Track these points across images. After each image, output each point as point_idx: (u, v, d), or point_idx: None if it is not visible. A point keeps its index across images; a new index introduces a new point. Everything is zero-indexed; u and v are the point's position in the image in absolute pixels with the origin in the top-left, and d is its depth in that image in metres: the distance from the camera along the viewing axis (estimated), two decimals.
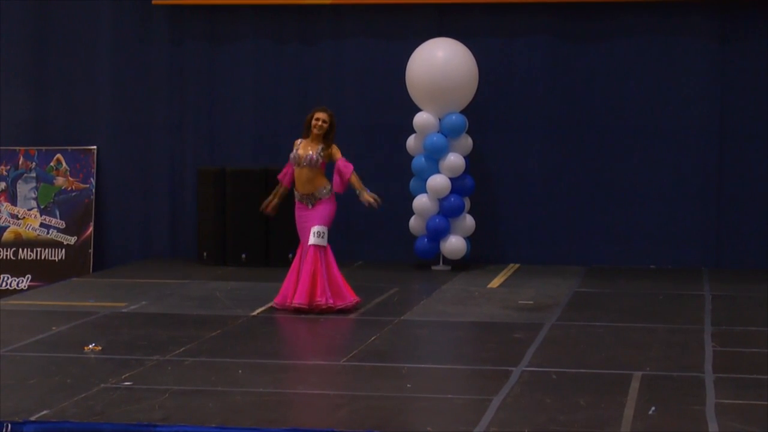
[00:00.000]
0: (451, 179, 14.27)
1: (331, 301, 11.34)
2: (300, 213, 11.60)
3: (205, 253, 14.91)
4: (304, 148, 11.49)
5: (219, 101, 15.48)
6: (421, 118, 14.32)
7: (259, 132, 15.43)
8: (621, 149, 14.78)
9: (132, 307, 11.94)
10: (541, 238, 14.95)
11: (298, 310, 11.30)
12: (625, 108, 14.84)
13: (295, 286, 11.38)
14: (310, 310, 11.28)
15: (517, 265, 14.66)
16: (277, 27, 15.35)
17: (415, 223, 14.51)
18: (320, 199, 11.48)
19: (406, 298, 12.60)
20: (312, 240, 11.37)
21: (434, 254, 14.49)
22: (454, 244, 14.34)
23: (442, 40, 14.51)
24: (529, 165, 14.98)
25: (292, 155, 11.54)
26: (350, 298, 11.53)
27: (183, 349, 9.93)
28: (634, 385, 8.76)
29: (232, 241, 14.73)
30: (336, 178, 11.50)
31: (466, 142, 14.46)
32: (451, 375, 9.43)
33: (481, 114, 14.79)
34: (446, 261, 14.55)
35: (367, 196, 11.46)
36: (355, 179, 11.49)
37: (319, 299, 11.28)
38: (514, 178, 14.76)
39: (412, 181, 14.53)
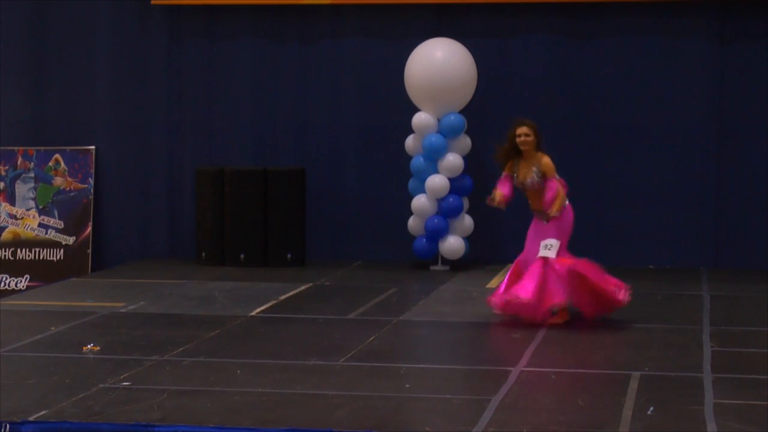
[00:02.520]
0: (450, 179, 14.27)
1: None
2: (534, 226, 11.24)
3: (203, 253, 14.90)
4: (522, 172, 11.07)
5: (218, 101, 15.48)
6: (420, 119, 14.32)
7: (258, 132, 15.43)
8: (620, 149, 14.78)
9: (130, 307, 11.94)
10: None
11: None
12: (625, 108, 14.84)
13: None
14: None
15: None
16: (276, 27, 15.35)
17: (413, 223, 14.51)
18: (554, 215, 11.04)
19: (404, 298, 12.60)
20: (541, 251, 10.97)
21: (433, 254, 14.49)
22: (453, 244, 14.34)
23: (441, 40, 14.51)
24: None
25: (514, 178, 11.12)
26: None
27: (181, 349, 9.92)
28: (633, 385, 8.76)
29: (230, 242, 14.73)
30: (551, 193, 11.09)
31: (465, 142, 14.46)
32: (449, 375, 9.42)
33: (480, 114, 14.79)
34: (445, 261, 14.55)
35: (555, 211, 11.00)
36: (558, 202, 10.97)
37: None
38: None
39: (410, 181, 14.53)
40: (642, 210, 14.83)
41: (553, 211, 10.96)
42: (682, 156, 14.77)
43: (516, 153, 11.12)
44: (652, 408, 8.10)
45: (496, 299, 11.19)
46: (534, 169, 11.02)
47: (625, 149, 14.81)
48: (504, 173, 11.25)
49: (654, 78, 14.77)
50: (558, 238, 10.99)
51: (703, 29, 14.67)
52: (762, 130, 14.62)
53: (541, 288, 10.88)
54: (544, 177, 11.06)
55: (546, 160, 11.06)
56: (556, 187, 11.00)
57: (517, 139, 11.07)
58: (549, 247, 10.94)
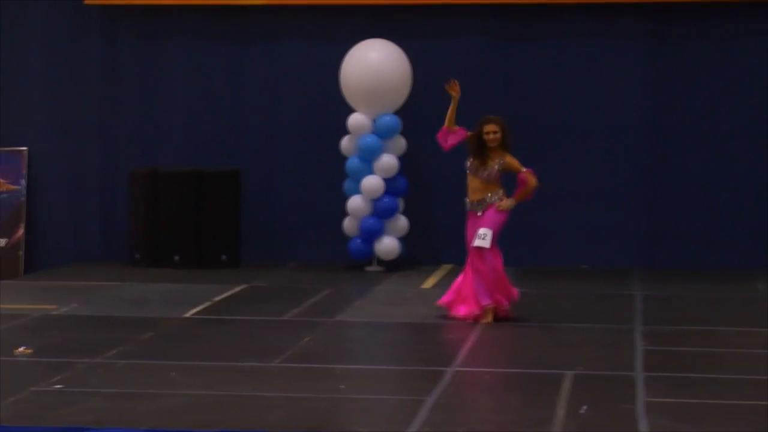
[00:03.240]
0: (385, 180, 14.29)
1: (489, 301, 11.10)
2: (471, 224, 11.25)
3: (137, 255, 14.82)
4: (483, 161, 11.16)
5: (152, 102, 15.39)
6: (355, 119, 14.34)
7: (193, 133, 15.37)
8: (553, 149, 14.87)
9: (63, 309, 11.84)
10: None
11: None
12: (558, 108, 14.94)
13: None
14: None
15: (451, 266, 14.69)
16: (212, 28, 15.30)
17: (348, 224, 14.51)
18: (490, 203, 11.18)
19: (339, 299, 12.60)
20: (475, 242, 11.06)
21: (368, 255, 14.50)
22: (388, 244, 14.37)
23: (376, 41, 14.53)
24: (462, 166, 14.99)
25: (468, 163, 11.22)
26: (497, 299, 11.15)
27: (115, 351, 9.86)
28: (566, 384, 8.82)
29: (164, 243, 14.65)
30: (519, 184, 11.21)
31: (400, 143, 14.49)
32: (384, 375, 9.44)
33: (415, 115, 14.81)
34: (380, 262, 14.58)
35: (507, 202, 11.16)
36: (524, 192, 11.15)
37: (483, 302, 11.07)
38: (448, 179, 14.78)
39: (345, 182, 14.54)
40: (575, 210, 14.93)
41: (505, 204, 11.11)
42: (615, 156, 14.89)
43: (482, 150, 11.19)
44: (585, 407, 8.16)
45: (447, 300, 11.38)
46: (498, 161, 11.14)
47: (559, 150, 14.90)
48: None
49: (587, 79, 14.89)
50: (491, 228, 11.08)
51: (636, 31, 14.81)
52: (695, 131, 14.78)
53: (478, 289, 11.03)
54: (505, 172, 11.18)
55: (509, 157, 11.19)
56: (527, 179, 11.13)
57: (485, 137, 11.18)
58: (483, 237, 11.05)
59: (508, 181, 11.32)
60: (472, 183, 11.24)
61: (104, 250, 15.42)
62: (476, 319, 11.10)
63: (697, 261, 14.75)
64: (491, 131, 11.16)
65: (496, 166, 11.15)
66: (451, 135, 11.33)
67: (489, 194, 11.16)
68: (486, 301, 11.06)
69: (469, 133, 11.28)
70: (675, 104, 14.81)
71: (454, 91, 11.33)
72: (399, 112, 14.49)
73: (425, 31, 15.01)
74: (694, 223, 14.82)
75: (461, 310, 11.26)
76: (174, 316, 11.50)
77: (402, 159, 14.48)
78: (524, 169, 11.17)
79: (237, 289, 13.13)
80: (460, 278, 11.38)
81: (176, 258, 14.61)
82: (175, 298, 12.51)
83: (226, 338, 10.58)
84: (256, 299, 12.59)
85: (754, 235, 14.73)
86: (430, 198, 15.08)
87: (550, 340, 10.55)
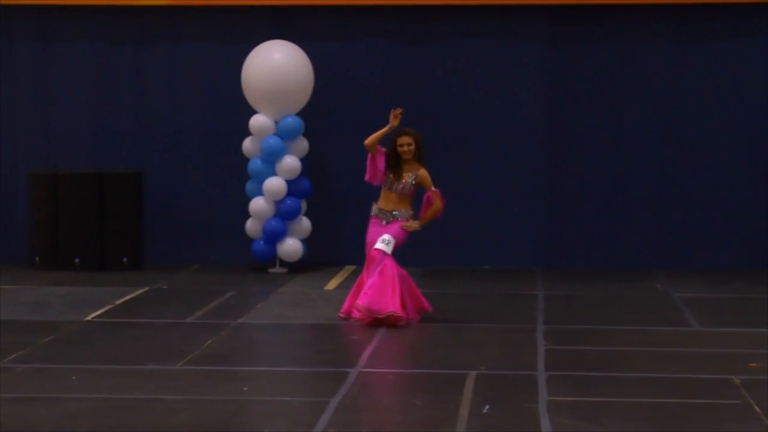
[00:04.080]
0: (288, 182, 14.27)
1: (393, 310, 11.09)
2: (374, 229, 11.32)
3: (37, 258, 14.64)
4: (399, 176, 11.23)
5: (53, 103, 15.21)
6: (258, 121, 14.30)
7: (95, 135, 15.21)
8: (455, 151, 14.95)
9: None
10: None
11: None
12: (460, 110, 15.03)
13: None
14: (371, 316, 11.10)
15: (354, 267, 14.71)
16: (114, 28, 15.15)
17: (251, 226, 14.47)
18: (397, 219, 11.25)
19: (243, 301, 12.57)
20: (378, 244, 11.12)
21: (271, 257, 14.47)
22: (291, 246, 14.35)
23: (278, 42, 14.50)
24: (364, 167, 15.03)
25: (384, 178, 11.26)
26: (402, 310, 11.12)
27: (14, 355, 9.74)
28: (470, 384, 8.88)
29: (65, 246, 14.49)
30: (424, 203, 11.33)
31: (303, 144, 14.48)
32: (288, 377, 9.44)
33: (318, 116, 14.83)
34: (283, 263, 14.55)
35: (413, 224, 11.26)
36: (430, 213, 11.27)
37: (360, 302, 11.10)
38: (351, 181, 14.81)
39: (248, 183, 14.50)
40: (477, 211, 15.03)
41: (410, 226, 11.22)
42: (516, 157, 15.02)
43: (397, 162, 11.26)
44: (488, 406, 8.23)
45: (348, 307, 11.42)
46: (411, 175, 11.18)
47: (461, 151, 14.99)
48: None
49: (488, 80, 15.00)
50: (395, 238, 11.17)
51: (535, 33, 14.95)
52: (593, 132, 14.96)
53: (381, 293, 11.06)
54: (418, 186, 11.29)
55: (424, 172, 11.28)
56: (433, 199, 11.25)
57: (399, 149, 11.25)
58: (387, 243, 11.13)
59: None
60: (387, 194, 11.30)
61: (3, 252, 15.19)
62: (353, 315, 11.12)
63: (596, 261, 14.93)
64: (405, 143, 11.24)
65: (411, 180, 11.22)
66: (372, 167, 11.32)
67: (400, 210, 11.25)
68: (362, 301, 11.09)
69: (386, 150, 11.36)
70: (573, 105, 14.98)
71: (396, 120, 11.28)
72: (301, 114, 14.48)
73: (327, 33, 15.03)
74: (594, 223, 14.99)
75: (354, 312, 11.28)
76: (75, 320, 11.38)
77: (305, 160, 14.47)
78: (434, 189, 11.25)
79: (139, 291, 13.03)
80: (357, 281, 11.43)
81: (77, 260, 14.46)
82: (76, 301, 12.38)
83: (128, 341, 10.50)
84: (158, 302, 12.51)
85: (652, 236, 14.95)
86: (333, 200, 15.10)
87: (454, 341, 10.62)
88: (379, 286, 11.08)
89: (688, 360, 9.84)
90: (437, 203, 11.30)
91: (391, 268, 11.16)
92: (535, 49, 14.93)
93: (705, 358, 9.93)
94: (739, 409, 8.27)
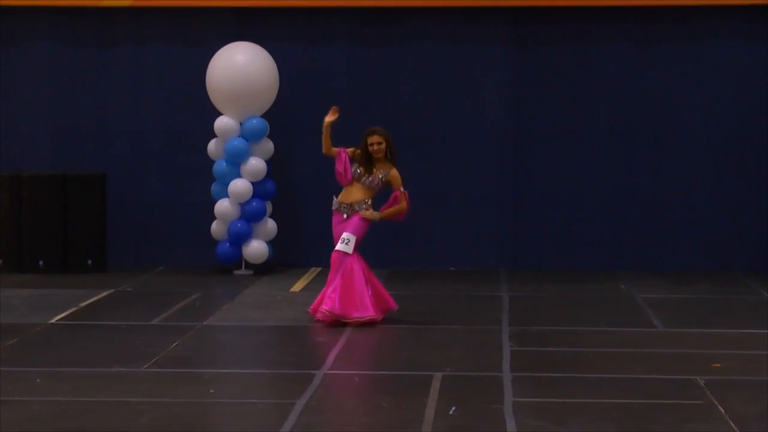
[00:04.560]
0: (253, 183, 14.25)
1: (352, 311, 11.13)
2: (336, 223, 11.37)
3: (0, 260, 14.56)
4: (368, 170, 11.29)
5: (14, 105, 15.12)
6: (222, 122, 14.27)
7: (57, 137, 15.15)
8: (419, 152, 14.97)
9: None
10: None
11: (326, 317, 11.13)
12: (424, 112, 15.05)
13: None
14: (335, 319, 11.12)
15: (319, 269, 14.71)
16: (75, 29, 15.09)
17: (216, 228, 14.44)
18: (358, 211, 11.28)
19: (208, 303, 12.55)
20: (338, 245, 11.17)
21: (236, 259, 14.45)
22: (256, 248, 14.33)
23: (242, 44, 14.48)
24: (330, 169, 15.03)
25: (353, 170, 11.31)
26: (370, 311, 11.19)
27: None
28: (435, 385, 8.90)
29: (28, 248, 14.42)
30: (390, 201, 11.36)
31: (268, 146, 14.46)
32: (254, 379, 9.43)
33: (283, 118, 14.82)
34: (248, 265, 14.53)
35: (372, 214, 11.28)
36: (392, 211, 11.31)
37: (325, 306, 11.11)
38: (316, 182, 14.82)
39: (213, 185, 14.47)
40: (441, 212, 15.06)
41: (370, 215, 11.26)
42: (480, 159, 15.06)
43: (368, 161, 11.34)
44: (453, 408, 8.25)
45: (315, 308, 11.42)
46: (383, 172, 11.25)
47: (424, 152, 15.02)
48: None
49: (452, 82, 15.03)
50: (355, 234, 11.19)
51: (499, 35, 14.99)
52: (557, 134, 15.02)
53: (346, 298, 11.11)
54: (387, 185, 11.35)
55: (395, 172, 11.35)
56: (400, 199, 11.30)
57: (370, 148, 11.32)
58: (347, 242, 11.18)
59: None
60: (351, 188, 11.34)
61: None
62: (333, 319, 11.14)
63: (560, 261, 14.99)
64: (375, 142, 11.32)
65: (381, 177, 11.29)
66: (341, 164, 11.38)
67: (359, 201, 11.28)
68: (326, 306, 11.11)
69: (350, 150, 11.39)
70: (537, 107, 15.03)
71: (331, 116, 11.35)
72: (266, 115, 14.47)
73: (292, 35, 15.02)
74: (558, 224, 15.05)
75: (318, 314, 11.30)
76: (39, 322, 11.33)
77: (270, 162, 14.46)
78: (402, 189, 11.31)
79: (103, 294, 12.98)
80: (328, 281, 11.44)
81: (41, 263, 14.39)
82: (39, 304, 12.32)
83: (93, 344, 10.46)
84: (123, 304, 12.46)
85: (616, 237, 15.02)
86: (298, 201, 15.09)
87: (419, 342, 10.64)
88: (343, 290, 11.11)
89: (652, 360, 9.90)
90: (403, 204, 11.34)
91: (354, 268, 11.18)
92: (499, 51, 14.98)
93: (668, 359, 9.99)
94: (703, 409, 8.32)
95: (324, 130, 11.41)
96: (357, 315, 11.12)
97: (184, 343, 10.47)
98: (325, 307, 11.13)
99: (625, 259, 14.97)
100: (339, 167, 11.41)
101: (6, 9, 15.01)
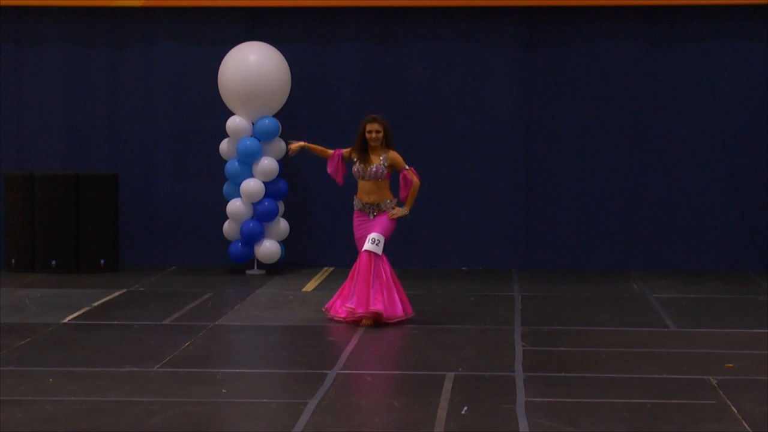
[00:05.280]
0: (265, 183, 14.26)
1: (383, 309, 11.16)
2: (359, 223, 11.39)
3: (13, 260, 14.60)
4: (368, 163, 11.29)
5: (27, 105, 15.17)
6: (234, 122, 14.29)
7: (70, 136, 15.18)
8: (432, 152, 14.98)
9: None
10: (353, 242, 15.03)
11: (357, 318, 11.17)
12: (437, 112, 15.05)
13: (357, 295, 11.18)
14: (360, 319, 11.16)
15: (331, 269, 14.73)
16: (87, 30, 15.12)
17: (228, 228, 14.46)
18: (384, 211, 11.30)
19: (220, 303, 12.55)
20: (367, 245, 11.17)
21: (248, 258, 14.47)
22: (268, 248, 14.34)
23: (255, 44, 14.50)
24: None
25: (354, 168, 11.34)
26: (400, 311, 11.26)
27: None
28: (447, 385, 8.90)
29: (41, 248, 14.46)
30: (402, 184, 11.34)
31: (280, 146, 14.47)
32: (266, 379, 9.43)
33: (295, 118, 14.83)
34: (260, 265, 14.54)
35: (401, 212, 11.31)
36: (411, 195, 11.29)
37: (374, 307, 11.12)
38: (328, 182, 14.79)
39: (225, 185, 14.48)
40: (454, 212, 15.06)
41: (400, 213, 11.30)
42: (493, 159, 15.06)
43: (365, 149, 11.31)
44: (465, 407, 8.25)
45: (338, 308, 11.46)
46: (382, 158, 11.24)
47: (438, 153, 15.02)
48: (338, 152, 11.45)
49: (465, 82, 15.03)
50: (384, 234, 11.20)
51: (510, 34, 14.99)
52: (568, 134, 15.00)
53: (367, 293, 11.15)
54: (391, 169, 11.31)
55: (394, 153, 11.33)
56: (412, 180, 11.28)
57: (367, 135, 11.31)
58: (376, 243, 11.17)
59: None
60: (363, 186, 11.35)
61: None
62: (357, 319, 11.16)
63: (572, 261, 14.98)
64: (373, 130, 11.30)
65: (382, 163, 11.25)
66: (332, 166, 11.46)
67: (385, 201, 11.29)
68: (377, 306, 11.12)
69: (346, 150, 11.42)
70: (549, 107, 15.01)
71: (293, 150, 11.62)
72: (278, 115, 14.48)
73: (304, 35, 15.03)
74: (571, 224, 15.04)
75: (342, 312, 11.34)
76: (51, 322, 11.35)
77: (281, 162, 14.47)
78: (407, 167, 11.31)
79: (116, 293, 13.00)
80: (347, 280, 11.46)
81: (53, 262, 14.42)
82: (52, 304, 12.34)
83: (105, 343, 10.48)
84: (135, 304, 12.48)
85: (628, 237, 15.00)
86: (310, 201, 15.10)
87: (432, 342, 10.63)
88: (387, 292, 11.15)
89: (665, 360, 9.88)
90: (415, 180, 11.32)
91: (387, 269, 11.22)
92: (511, 51, 14.97)
93: (681, 359, 9.97)
94: (715, 409, 8.30)
95: (310, 150, 11.47)
96: (401, 313, 11.24)
97: (196, 343, 10.48)
98: (374, 308, 11.08)
99: (637, 258, 14.95)
100: (330, 169, 11.50)
101: (18, 9, 15.04)
